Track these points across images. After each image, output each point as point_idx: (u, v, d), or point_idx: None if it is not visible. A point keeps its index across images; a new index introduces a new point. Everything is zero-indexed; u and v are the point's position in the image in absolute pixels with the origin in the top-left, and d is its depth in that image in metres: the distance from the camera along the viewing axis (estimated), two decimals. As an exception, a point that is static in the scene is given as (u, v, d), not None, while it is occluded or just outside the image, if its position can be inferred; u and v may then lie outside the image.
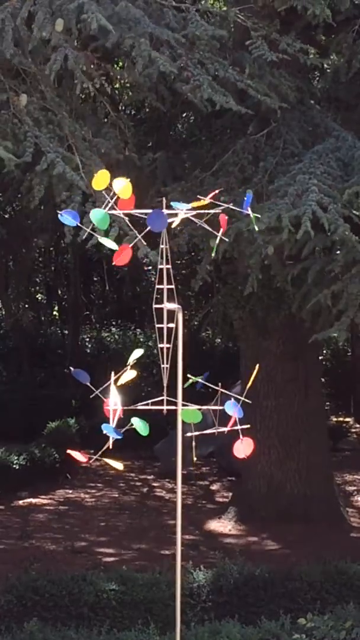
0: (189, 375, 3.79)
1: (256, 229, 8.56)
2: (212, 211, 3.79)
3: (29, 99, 8.66)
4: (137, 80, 9.48)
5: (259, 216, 8.74)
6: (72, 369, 3.71)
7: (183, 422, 3.80)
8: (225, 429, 3.82)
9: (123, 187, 3.50)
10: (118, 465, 3.70)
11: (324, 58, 11.00)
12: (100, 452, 3.75)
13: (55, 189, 8.86)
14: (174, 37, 9.07)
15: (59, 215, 3.61)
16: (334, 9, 10.22)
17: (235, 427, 3.72)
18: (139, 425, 3.62)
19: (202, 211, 3.76)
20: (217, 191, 3.72)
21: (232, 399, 3.78)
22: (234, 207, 3.74)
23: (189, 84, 9.21)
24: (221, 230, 3.63)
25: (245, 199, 3.71)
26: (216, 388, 3.79)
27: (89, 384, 3.67)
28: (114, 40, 8.73)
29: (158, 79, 9.48)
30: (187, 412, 3.68)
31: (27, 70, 8.98)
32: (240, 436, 3.72)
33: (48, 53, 8.60)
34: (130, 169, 10.54)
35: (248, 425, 3.75)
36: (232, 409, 3.72)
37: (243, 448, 3.72)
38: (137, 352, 3.71)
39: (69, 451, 3.83)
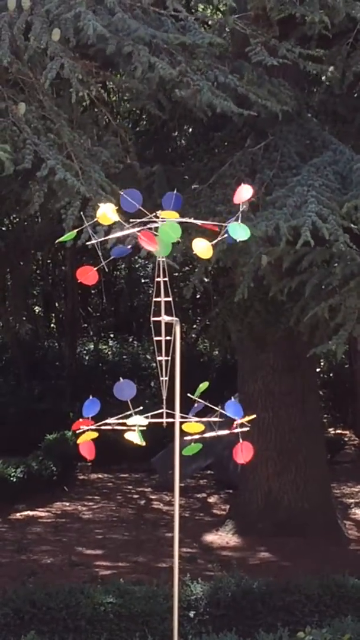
0: (189, 395, 3.80)
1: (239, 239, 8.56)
2: (206, 222, 3.82)
3: (27, 107, 8.68)
4: (136, 87, 9.49)
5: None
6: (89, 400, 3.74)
7: (180, 435, 3.81)
8: (224, 432, 3.82)
9: (103, 214, 3.58)
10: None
11: (323, 66, 10.99)
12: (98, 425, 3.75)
13: (55, 197, 8.88)
14: (173, 39, 9.06)
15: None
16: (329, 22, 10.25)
17: (236, 430, 3.73)
18: (135, 437, 3.63)
19: (196, 221, 3.78)
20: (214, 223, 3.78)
21: (232, 399, 3.80)
22: (220, 223, 3.77)
23: (188, 89, 9.23)
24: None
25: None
26: (215, 408, 3.79)
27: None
28: (112, 48, 8.76)
29: (157, 86, 9.50)
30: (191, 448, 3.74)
31: (25, 80, 9.00)
32: (240, 440, 3.72)
33: (46, 62, 8.62)
34: (129, 181, 10.55)
35: (247, 428, 3.75)
36: (232, 409, 3.73)
37: (243, 453, 3.72)
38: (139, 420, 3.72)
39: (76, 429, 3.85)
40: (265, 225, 9.13)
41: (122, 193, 3.69)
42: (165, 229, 3.55)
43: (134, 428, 3.63)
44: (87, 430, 3.72)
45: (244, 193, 3.70)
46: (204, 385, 3.81)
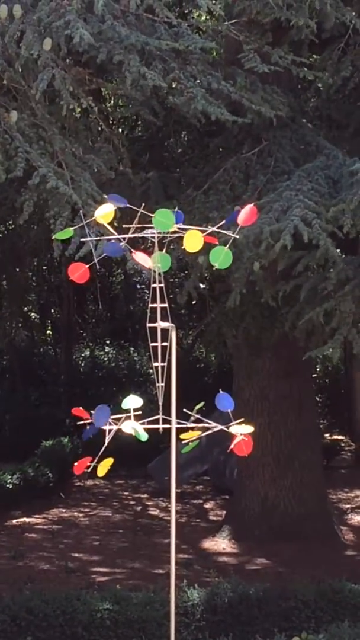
0: (185, 410, 3.81)
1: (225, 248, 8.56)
2: (206, 228, 3.83)
3: (19, 115, 8.69)
4: (129, 94, 9.50)
5: (237, 237, 8.79)
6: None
7: (177, 441, 3.81)
8: (224, 427, 3.82)
9: (105, 213, 3.59)
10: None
11: (316, 73, 11.00)
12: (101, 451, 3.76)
13: (47, 205, 8.89)
14: (165, 46, 9.06)
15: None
16: (320, 27, 10.27)
17: (235, 428, 3.73)
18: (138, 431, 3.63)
19: (193, 227, 3.79)
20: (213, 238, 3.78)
21: (221, 391, 3.81)
22: (219, 230, 3.77)
23: (182, 96, 9.23)
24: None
25: (231, 214, 3.75)
26: (210, 422, 3.79)
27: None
28: (103, 57, 8.77)
29: (151, 93, 9.51)
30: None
31: (18, 88, 9.01)
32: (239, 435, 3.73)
33: (38, 70, 8.62)
34: (124, 188, 10.56)
35: (252, 429, 3.75)
36: (223, 402, 3.74)
37: (244, 446, 3.73)
38: (134, 400, 3.71)
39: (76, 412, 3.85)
40: (248, 229, 9.13)
41: (106, 197, 3.71)
42: (159, 219, 3.56)
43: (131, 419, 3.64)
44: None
45: (250, 216, 3.68)
46: (199, 405, 3.83)
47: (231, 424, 3.77)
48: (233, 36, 10.10)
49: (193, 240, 3.63)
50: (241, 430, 3.74)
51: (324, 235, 9.06)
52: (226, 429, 3.76)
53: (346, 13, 10.05)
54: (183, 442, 3.85)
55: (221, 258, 3.66)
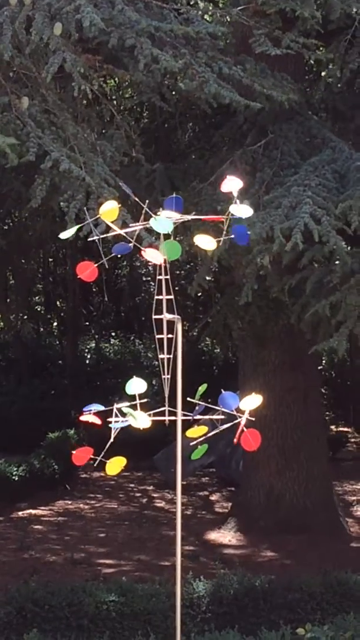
0: (189, 399, 3.79)
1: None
2: (212, 217, 3.82)
3: (30, 101, 8.67)
4: (140, 79, 9.46)
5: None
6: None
7: (182, 433, 3.81)
8: (226, 425, 3.81)
9: (109, 210, 3.57)
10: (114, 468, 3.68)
11: (328, 55, 10.91)
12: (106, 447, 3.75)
13: (57, 191, 8.86)
14: (177, 30, 9.01)
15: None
16: (326, 18, 10.23)
17: (238, 420, 3.71)
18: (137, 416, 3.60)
19: (201, 217, 3.78)
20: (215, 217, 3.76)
21: (222, 391, 3.79)
22: (227, 217, 3.76)
23: (194, 81, 9.19)
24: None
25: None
26: (216, 407, 3.78)
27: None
28: (114, 41, 8.75)
29: (162, 78, 9.47)
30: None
31: (28, 74, 8.98)
32: (245, 429, 3.70)
33: (48, 56, 8.59)
34: (131, 179, 10.54)
35: (260, 398, 3.71)
36: (227, 401, 3.72)
37: (251, 439, 3.70)
38: (137, 384, 3.69)
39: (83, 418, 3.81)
40: (260, 227, 9.14)
41: (121, 183, 3.70)
42: (156, 225, 3.55)
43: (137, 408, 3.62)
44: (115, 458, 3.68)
45: (233, 184, 3.68)
46: (202, 388, 3.80)
47: (241, 402, 3.73)
48: (242, 23, 10.04)
49: (206, 241, 3.63)
50: (250, 403, 3.69)
51: (333, 232, 9.05)
52: (233, 413, 3.74)
53: (352, 4, 10.01)
54: (191, 444, 3.83)
55: (242, 210, 3.64)
